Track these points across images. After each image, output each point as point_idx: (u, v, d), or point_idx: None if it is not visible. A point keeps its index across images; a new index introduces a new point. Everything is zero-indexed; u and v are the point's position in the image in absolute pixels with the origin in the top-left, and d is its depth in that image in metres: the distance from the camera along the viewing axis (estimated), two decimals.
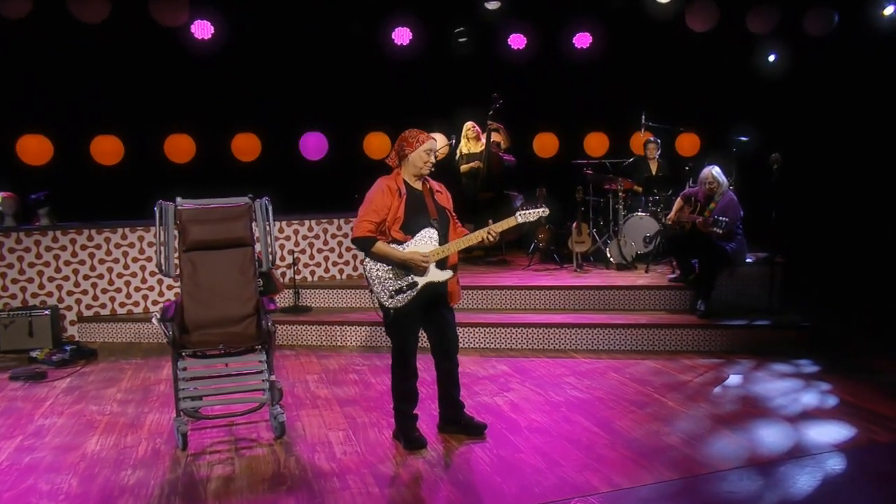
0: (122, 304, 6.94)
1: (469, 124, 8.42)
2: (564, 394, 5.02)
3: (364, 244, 3.92)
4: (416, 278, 3.93)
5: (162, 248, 4.48)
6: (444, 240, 4.02)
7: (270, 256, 4.71)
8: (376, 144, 9.48)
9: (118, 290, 6.94)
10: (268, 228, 4.71)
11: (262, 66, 8.92)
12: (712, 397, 4.92)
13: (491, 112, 8.11)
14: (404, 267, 3.91)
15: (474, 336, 6.32)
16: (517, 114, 9.23)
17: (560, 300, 6.79)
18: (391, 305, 3.93)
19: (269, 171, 8.90)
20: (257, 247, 4.74)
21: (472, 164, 8.19)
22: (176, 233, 4.58)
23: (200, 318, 4.45)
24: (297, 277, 7.43)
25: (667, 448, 4.04)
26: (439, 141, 9.28)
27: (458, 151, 8.45)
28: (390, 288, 3.92)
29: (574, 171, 8.65)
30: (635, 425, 4.39)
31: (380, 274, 3.93)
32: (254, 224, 4.72)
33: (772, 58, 9.84)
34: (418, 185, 4.06)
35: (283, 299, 7.17)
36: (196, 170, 8.70)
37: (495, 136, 8.33)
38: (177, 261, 4.62)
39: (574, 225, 7.95)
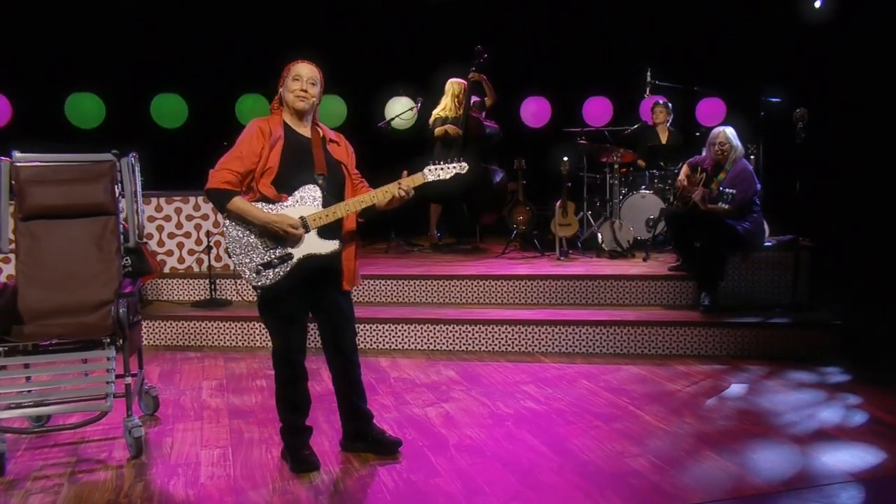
0: None
1: (459, 84, 7.82)
2: (516, 405, 4.57)
3: (219, 198, 3.45)
4: (291, 249, 3.48)
5: None
6: (333, 200, 3.58)
7: (138, 228, 4.29)
8: (330, 107, 9.07)
9: None
10: (135, 192, 4.30)
11: (186, 16, 8.53)
12: (702, 411, 4.45)
13: (473, 68, 7.68)
14: (270, 234, 3.47)
15: (421, 335, 5.87)
16: (501, 74, 8.78)
17: (531, 293, 6.34)
18: (257, 283, 3.48)
19: (195, 138, 8.52)
20: (123, 216, 4.34)
21: (447, 127, 7.69)
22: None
23: (40, 304, 4.05)
24: (218, 265, 7.01)
25: (629, 474, 3.58)
26: (403, 104, 8.96)
27: (433, 115, 7.95)
28: (256, 260, 3.47)
29: (566, 141, 8.23)
30: (595, 445, 3.93)
31: (242, 240, 3.48)
32: (118, 187, 4.31)
33: (818, 3, 9.24)
34: (304, 131, 3.62)
35: (198, 292, 6.81)
36: (105, 135, 8.30)
37: (477, 95, 7.89)
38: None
39: (558, 204, 7.49)
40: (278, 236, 3.45)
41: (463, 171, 3.72)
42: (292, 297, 3.54)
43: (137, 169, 4.29)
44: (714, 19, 9.29)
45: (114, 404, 3.73)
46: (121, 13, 8.35)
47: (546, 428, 4.19)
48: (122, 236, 4.30)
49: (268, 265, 3.46)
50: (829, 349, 5.55)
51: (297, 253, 3.49)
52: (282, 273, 3.47)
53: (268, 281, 3.46)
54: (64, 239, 4.18)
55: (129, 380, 3.92)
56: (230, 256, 3.49)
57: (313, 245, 3.51)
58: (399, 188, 3.60)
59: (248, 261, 3.46)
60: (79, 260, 4.17)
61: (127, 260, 4.34)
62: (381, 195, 3.60)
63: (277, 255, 3.47)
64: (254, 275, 3.46)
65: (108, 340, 3.84)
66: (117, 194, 4.30)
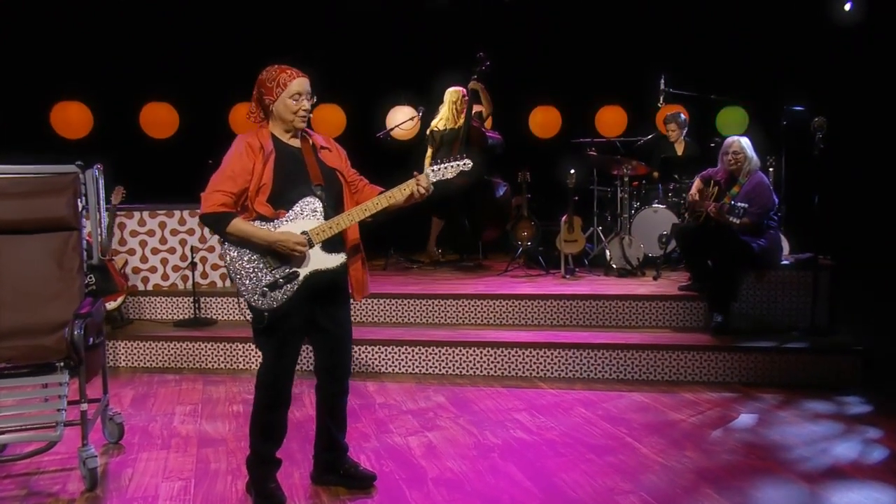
0: None
1: (457, 92, 7.72)
2: (505, 434, 4.43)
3: (217, 222, 3.37)
4: (296, 267, 3.41)
5: None
6: (333, 211, 3.50)
7: (102, 244, 4.22)
8: (328, 117, 9.02)
9: None
10: (99, 206, 4.23)
11: (179, 21, 8.53)
12: (706, 444, 4.28)
13: (475, 76, 7.59)
14: (275, 253, 3.38)
15: (411, 358, 5.75)
16: (507, 82, 8.70)
17: (532, 314, 6.20)
18: (264, 306, 3.39)
19: (186, 149, 8.50)
20: (86, 231, 4.28)
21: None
22: None
23: None
24: (204, 282, 6.95)
25: None
26: (405, 113, 8.89)
27: (429, 128, 7.86)
28: (262, 282, 3.39)
29: (574, 153, 8.11)
30: (585, 480, 3.78)
31: (245, 263, 3.40)
32: (81, 201, 4.24)
33: (847, 6, 9.06)
34: (293, 141, 3.55)
35: (182, 310, 6.73)
36: (93, 145, 8.30)
37: (476, 104, 7.79)
38: None
39: (563, 219, 7.35)
40: (282, 255, 3.38)
41: (467, 168, 3.60)
42: (296, 318, 3.46)
43: (102, 182, 4.21)
44: (734, 24, 9.14)
45: (64, 433, 3.64)
46: (110, 19, 8.35)
47: (534, 460, 4.05)
48: (85, 253, 4.23)
49: (273, 286, 3.38)
50: (850, 377, 5.37)
51: (303, 270, 3.41)
52: (289, 292, 3.39)
53: (274, 303, 3.38)
54: (22, 255, 4.09)
55: (84, 406, 3.82)
56: (232, 281, 3.42)
57: (319, 260, 3.43)
58: (418, 185, 3.50)
59: (251, 284, 3.38)
60: (38, 278, 4.09)
61: (90, 278, 4.26)
62: (399, 194, 3.51)
63: (283, 274, 3.39)
64: (260, 297, 3.37)
65: (62, 364, 3.75)
66: (80, 208, 4.23)
